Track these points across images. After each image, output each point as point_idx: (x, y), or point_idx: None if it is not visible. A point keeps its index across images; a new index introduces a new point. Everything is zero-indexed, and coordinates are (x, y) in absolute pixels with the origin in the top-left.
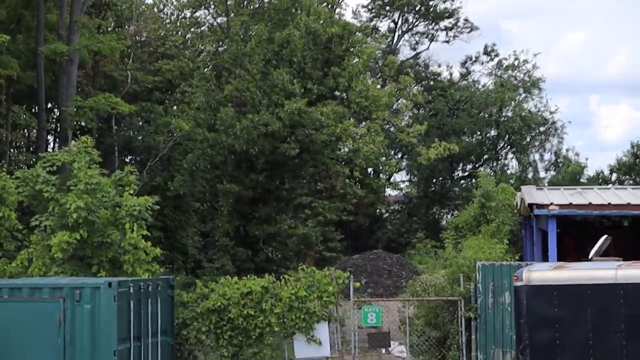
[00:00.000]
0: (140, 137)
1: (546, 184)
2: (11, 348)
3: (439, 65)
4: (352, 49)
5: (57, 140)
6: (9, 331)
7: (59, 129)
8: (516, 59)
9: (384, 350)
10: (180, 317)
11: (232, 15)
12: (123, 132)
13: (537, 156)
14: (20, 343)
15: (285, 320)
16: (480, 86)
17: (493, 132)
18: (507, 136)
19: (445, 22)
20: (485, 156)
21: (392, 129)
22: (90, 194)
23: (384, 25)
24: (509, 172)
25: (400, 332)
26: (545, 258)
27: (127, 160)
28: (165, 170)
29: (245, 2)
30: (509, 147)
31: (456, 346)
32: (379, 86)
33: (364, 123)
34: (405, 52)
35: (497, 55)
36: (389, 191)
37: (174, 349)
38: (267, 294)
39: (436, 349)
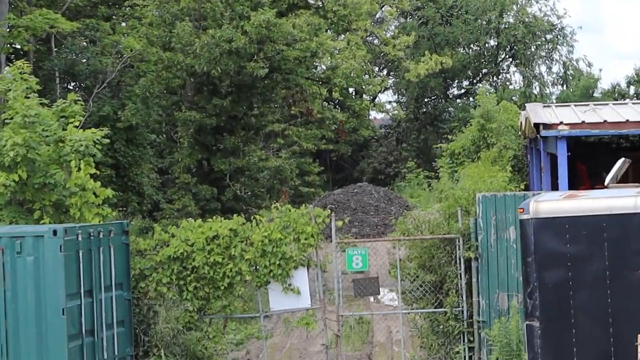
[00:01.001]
0: (84, 60)
1: (554, 101)
2: None
3: None
4: None
5: None
6: None
7: None
8: None
9: (372, 299)
10: (138, 268)
11: None
12: (65, 54)
13: (543, 68)
14: None
15: (258, 267)
16: None
17: (492, 42)
18: (508, 46)
19: None
20: (484, 70)
21: (375, 41)
22: (28, 128)
23: None
24: (511, 87)
25: (391, 277)
26: (554, 186)
27: (71, 87)
28: (114, 97)
29: None
30: (511, 59)
31: (455, 291)
32: None
33: (342, 36)
34: None
35: None
36: (373, 114)
37: (130, 304)
38: (236, 237)
39: (432, 294)
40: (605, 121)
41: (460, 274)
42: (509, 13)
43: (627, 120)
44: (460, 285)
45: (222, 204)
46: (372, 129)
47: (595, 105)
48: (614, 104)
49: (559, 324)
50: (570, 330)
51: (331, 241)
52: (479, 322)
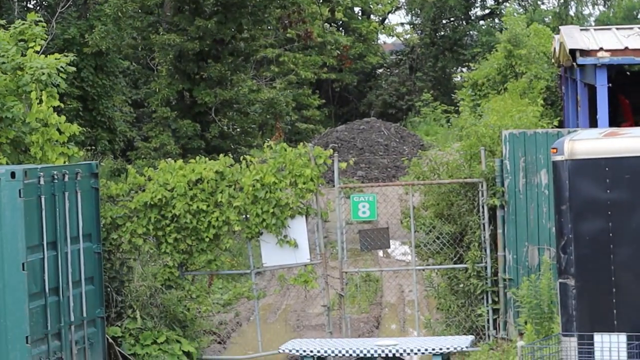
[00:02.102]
0: None
1: (593, 23)
2: None
3: None
4: None
5: None
6: None
7: None
8: None
9: (381, 253)
10: (109, 216)
11: None
12: None
13: None
14: None
15: (248, 216)
16: None
17: None
18: None
19: None
20: None
21: None
22: None
23: None
24: (543, 7)
25: (403, 227)
26: (593, 123)
27: (31, 6)
28: (81, 18)
29: None
30: None
31: (477, 244)
32: None
33: None
34: None
35: None
36: (383, 38)
37: (101, 258)
38: (223, 181)
39: (451, 248)
40: None
41: (484, 224)
42: None
43: None
44: (484, 237)
45: (207, 142)
46: (381, 55)
47: None
48: None
49: (597, 283)
50: (610, 289)
51: (333, 186)
52: (505, 280)
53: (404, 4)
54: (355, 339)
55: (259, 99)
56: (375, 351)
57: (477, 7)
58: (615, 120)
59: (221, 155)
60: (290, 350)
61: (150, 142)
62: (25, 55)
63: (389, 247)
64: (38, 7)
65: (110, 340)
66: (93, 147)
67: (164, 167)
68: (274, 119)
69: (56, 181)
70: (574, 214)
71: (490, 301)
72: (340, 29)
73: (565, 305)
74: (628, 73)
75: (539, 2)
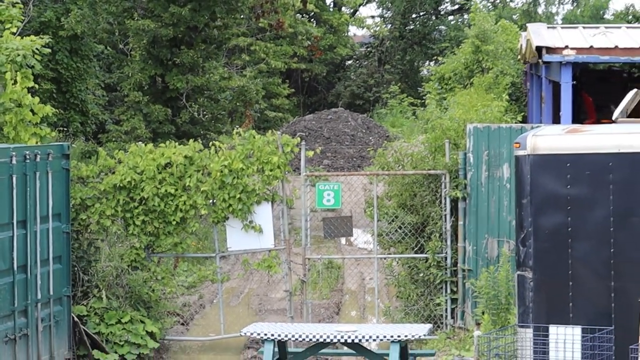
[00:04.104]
0: None
1: (560, 22)
2: None
3: None
4: None
5: None
6: None
7: None
8: None
9: (344, 240)
10: (78, 197)
11: None
12: None
13: None
14: None
15: (215, 201)
16: None
17: None
18: None
19: None
20: None
21: None
22: None
23: None
24: (512, 5)
25: (366, 216)
26: (556, 119)
27: None
28: (58, 1)
29: None
30: None
31: (438, 235)
32: None
33: None
34: None
35: None
36: (353, 30)
37: (69, 237)
38: (191, 166)
39: (412, 238)
40: (616, 47)
41: (445, 215)
42: None
43: None
44: (445, 228)
45: (177, 127)
46: (350, 47)
47: (606, 28)
48: (627, 27)
49: (554, 276)
50: (566, 282)
51: (300, 174)
52: (464, 270)
53: None
54: (316, 324)
55: (230, 86)
56: (335, 337)
57: (446, 2)
58: (578, 117)
59: (191, 140)
60: (252, 334)
61: (122, 126)
62: (2, 37)
63: (351, 235)
64: None
65: (76, 319)
66: (65, 129)
67: (134, 151)
68: (243, 107)
69: (28, 161)
70: (534, 208)
71: (449, 291)
72: (312, 20)
73: (522, 297)
74: (593, 71)
75: (508, 2)
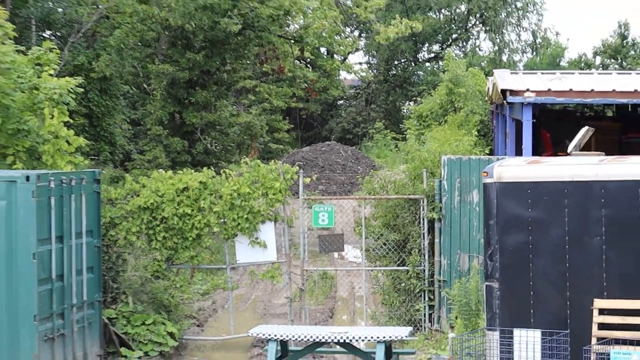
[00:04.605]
0: (61, 9)
1: (522, 68)
2: None
3: None
4: None
5: None
6: None
7: None
8: None
9: (336, 255)
10: (108, 216)
11: None
12: (41, 3)
13: (512, 36)
14: None
15: (226, 220)
16: None
17: (463, 8)
18: (479, 12)
19: None
20: (454, 35)
21: (348, 2)
22: (4, 74)
23: None
24: (480, 53)
25: (355, 234)
26: (518, 152)
27: (46, 35)
28: (89, 47)
29: None
30: (481, 25)
31: (417, 250)
32: None
33: None
34: None
35: None
36: (344, 75)
37: (100, 251)
38: (205, 190)
39: (395, 253)
40: (570, 90)
41: (424, 234)
42: None
43: (592, 90)
44: (423, 245)
45: (193, 157)
46: (341, 89)
47: (561, 73)
48: (580, 73)
49: (517, 286)
50: (528, 292)
51: (298, 197)
52: (439, 281)
53: (363, 46)
54: (313, 326)
55: (238, 122)
56: (329, 337)
57: (424, 51)
58: (538, 150)
59: (204, 168)
60: (258, 334)
61: (145, 155)
62: (41, 77)
63: (343, 250)
64: (52, 37)
65: (106, 321)
66: (96, 157)
67: (156, 177)
68: (250, 139)
69: (64, 185)
70: (500, 228)
71: (426, 298)
72: (308, 65)
73: (489, 304)
74: (550, 110)
75: (477, 49)
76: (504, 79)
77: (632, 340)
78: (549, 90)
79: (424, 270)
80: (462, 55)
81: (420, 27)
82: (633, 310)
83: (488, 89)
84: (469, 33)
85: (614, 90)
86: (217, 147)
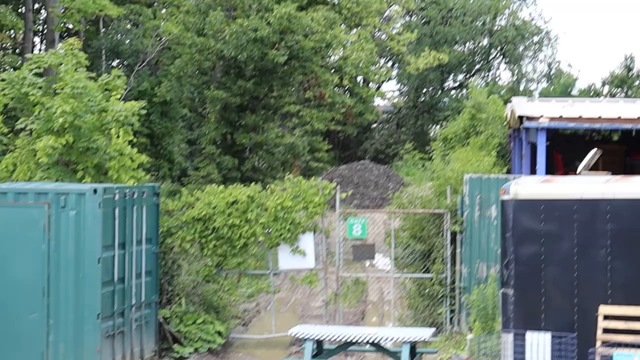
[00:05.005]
0: (128, 41)
1: (537, 96)
2: None
3: None
4: None
5: (44, 42)
6: None
7: (45, 31)
8: None
9: (368, 263)
10: (165, 226)
11: None
12: (111, 35)
13: (529, 67)
14: (6, 248)
15: (270, 230)
16: None
17: (486, 42)
18: (499, 46)
19: None
20: (477, 66)
21: (382, 36)
22: (76, 98)
23: None
24: (500, 83)
25: (385, 244)
26: (533, 172)
27: (115, 64)
28: (152, 75)
29: None
30: (501, 57)
31: (441, 259)
32: None
33: (354, 30)
34: None
35: None
36: (378, 101)
37: (158, 257)
38: (252, 203)
39: (421, 261)
40: (580, 116)
41: (447, 244)
42: (501, 16)
43: (600, 117)
44: (446, 254)
45: (242, 174)
46: (375, 113)
47: (573, 101)
48: (589, 101)
49: (530, 293)
50: (539, 299)
51: (335, 210)
52: (460, 287)
53: (395, 75)
54: (345, 327)
55: (283, 142)
56: (360, 337)
57: (449, 80)
58: (550, 171)
59: (252, 183)
60: (296, 334)
61: (199, 171)
62: (109, 101)
63: (374, 258)
64: (120, 65)
65: (161, 320)
66: (156, 173)
67: (209, 191)
68: (293, 158)
69: (127, 197)
70: (515, 240)
71: (448, 303)
72: (346, 92)
73: (505, 310)
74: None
75: (497, 79)
76: (521, 106)
77: (633, 344)
78: (561, 116)
79: (446, 278)
80: (483, 84)
81: (446, 58)
82: (635, 317)
83: (506, 115)
84: (490, 64)
85: (619, 117)
86: (264, 165)
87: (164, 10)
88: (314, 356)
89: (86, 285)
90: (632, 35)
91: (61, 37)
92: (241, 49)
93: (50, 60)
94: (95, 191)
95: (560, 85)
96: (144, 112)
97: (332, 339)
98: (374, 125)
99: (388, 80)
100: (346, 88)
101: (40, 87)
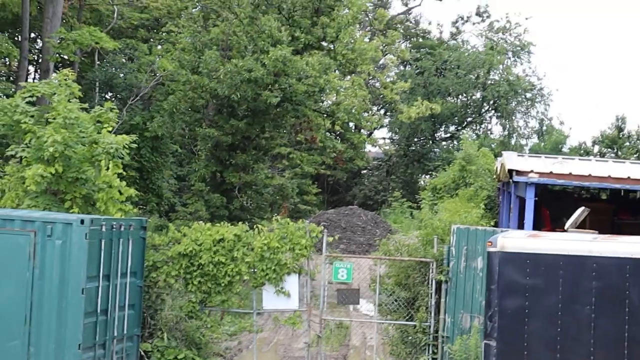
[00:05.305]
0: (122, 75)
1: (528, 151)
2: None
3: (429, 23)
4: (342, 0)
5: (38, 71)
6: None
7: (40, 60)
8: (508, 21)
9: (352, 308)
10: (151, 260)
11: None
12: (105, 68)
13: (521, 122)
14: None
15: (255, 270)
16: (469, 47)
17: (479, 95)
18: (492, 100)
19: None
20: (469, 119)
21: (376, 84)
22: (68, 128)
23: None
24: (492, 136)
25: (370, 290)
26: (520, 226)
27: (108, 97)
28: (145, 109)
29: None
30: (493, 111)
31: (425, 308)
32: (366, 39)
33: (348, 76)
34: (396, 7)
35: (489, 16)
36: (369, 147)
37: (142, 290)
38: (239, 242)
39: (405, 309)
40: (570, 173)
41: (431, 293)
42: (495, 71)
43: (590, 175)
44: (430, 303)
45: (230, 212)
46: (366, 160)
47: (563, 158)
48: (579, 159)
49: (513, 346)
50: (522, 352)
51: (321, 254)
52: (443, 337)
53: (387, 123)
54: None
55: (272, 184)
56: None
57: (441, 131)
58: (538, 226)
59: (240, 222)
60: None
61: (187, 208)
62: (100, 133)
63: (358, 303)
64: (113, 98)
65: (142, 354)
66: (144, 207)
67: (196, 227)
68: (281, 200)
69: (114, 230)
70: (500, 292)
71: (431, 352)
72: (338, 137)
73: None
74: (550, 190)
75: (489, 132)
76: (511, 160)
77: None
78: (551, 172)
79: (430, 326)
80: (475, 136)
81: (439, 109)
82: None
83: (496, 168)
84: (482, 117)
85: (609, 176)
86: (252, 205)
87: (159, 47)
88: None
89: (69, 314)
90: (624, 96)
91: (56, 67)
92: (235, 89)
93: (43, 90)
94: (82, 222)
95: (551, 142)
96: (134, 145)
97: None
98: (364, 172)
99: (380, 127)
100: (337, 133)
101: (32, 116)
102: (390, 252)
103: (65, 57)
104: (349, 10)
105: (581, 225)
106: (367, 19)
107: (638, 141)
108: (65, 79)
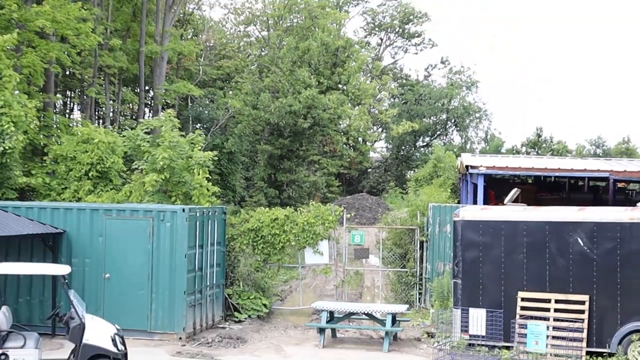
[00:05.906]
0: (206, 112)
1: (478, 153)
2: (119, 249)
3: (410, 69)
4: (351, 56)
5: (151, 111)
6: (118, 238)
7: (152, 104)
8: (462, 66)
9: (364, 260)
10: (230, 234)
11: (271, 30)
12: (195, 107)
13: (473, 134)
14: (124, 246)
15: (299, 238)
16: (437, 84)
17: (444, 116)
18: (453, 119)
19: (415, 40)
20: (438, 132)
21: (375, 111)
22: (172, 148)
23: (373, 40)
24: (453, 143)
25: (376, 248)
26: (475, 202)
27: (197, 126)
28: (222, 134)
29: (280, 22)
30: (454, 127)
31: (413, 259)
32: (368, 82)
33: (356, 107)
34: (387, 60)
35: (449, 63)
36: (372, 154)
37: (224, 254)
38: (288, 220)
39: (399, 260)
40: (507, 166)
41: (417, 249)
42: (454, 100)
43: (520, 166)
44: (416, 256)
45: (281, 200)
46: (370, 162)
47: (501, 156)
48: (512, 156)
49: (473, 283)
50: (478, 286)
51: (343, 226)
52: (425, 278)
53: (383, 137)
54: (349, 303)
55: (308, 180)
56: (359, 310)
57: (420, 141)
58: (486, 202)
59: (288, 207)
60: (316, 307)
61: (252, 198)
62: (193, 151)
63: (368, 257)
64: (201, 128)
65: (226, 296)
66: (224, 199)
67: (259, 211)
68: (315, 191)
69: (204, 215)
70: (462, 247)
71: (417, 288)
72: (351, 147)
73: (455, 294)
74: (494, 178)
75: (451, 141)
76: (467, 158)
77: (540, 317)
78: (494, 166)
79: (417, 272)
80: (442, 144)
81: (417, 127)
82: (541, 299)
83: (458, 164)
84: (447, 131)
85: (533, 167)
86: (296, 195)
87: (230, 92)
88: (327, 321)
89: (177, 272)
90: (542, 112)
91: (162, 108)
92: (281, 118)
93: (155, 124)
94: (183, 210)
95: (493, 146)
96: (216, 159)
97: (340, 311)
98: (369, 170)
99: (378, 140)
100: (351, 145)
101: (148, 141)
102: (389, 222)
103: (169, 101)
104: (355, 63)
105: (515, 201)
106: (367, 68)
107: (551, 143)
108: (169, 116)
